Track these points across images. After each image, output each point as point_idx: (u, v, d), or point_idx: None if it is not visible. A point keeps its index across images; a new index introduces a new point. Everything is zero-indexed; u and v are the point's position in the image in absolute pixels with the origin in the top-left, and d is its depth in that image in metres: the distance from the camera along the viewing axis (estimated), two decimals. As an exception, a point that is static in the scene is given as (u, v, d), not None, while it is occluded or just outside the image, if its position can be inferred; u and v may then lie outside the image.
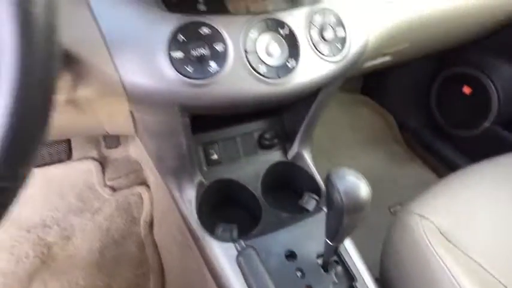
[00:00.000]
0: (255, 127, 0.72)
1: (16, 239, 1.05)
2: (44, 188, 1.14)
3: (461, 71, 1.22)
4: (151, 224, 1.12)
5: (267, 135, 0.72)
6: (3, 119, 0.19)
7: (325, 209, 0.65)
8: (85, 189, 1.18)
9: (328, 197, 0.45)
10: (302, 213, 0.65)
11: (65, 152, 1.16)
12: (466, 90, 1.20)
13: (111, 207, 1.16)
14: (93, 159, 1.24)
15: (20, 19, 0.19)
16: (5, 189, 0.21)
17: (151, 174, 1.10)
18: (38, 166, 1.12)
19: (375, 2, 0.61)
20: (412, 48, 0.88)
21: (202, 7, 0.45)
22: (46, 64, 0.21)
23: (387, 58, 0.86)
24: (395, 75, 1.42)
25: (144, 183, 1.23)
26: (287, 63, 0.48)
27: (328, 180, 0.44)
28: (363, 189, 0.42)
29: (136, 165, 1.26)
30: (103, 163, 1.25)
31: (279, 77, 0.48)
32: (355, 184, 0.42)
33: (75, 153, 1.19)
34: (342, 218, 0.43)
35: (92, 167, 1.22)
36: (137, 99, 0.46)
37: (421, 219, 0.59)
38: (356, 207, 0.42)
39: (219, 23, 0.45)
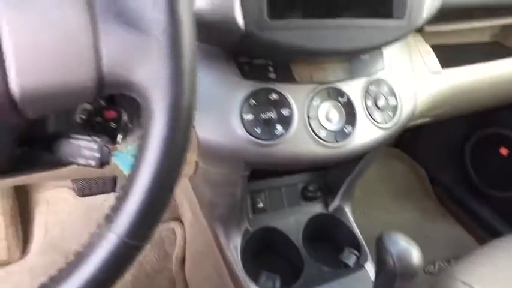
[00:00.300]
0: (299, 179, 0.75)
1: (54, 264, 1.09)
2: (85, 216, 1.19)
3: (498, 131, 1.23)
4: (183, 261, 1.14)
5: (311, 188, 0.75)
6: (146, 193, 0.24)
7: (366, 267, 0.67)
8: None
9: (379, 260, 0.47)
10: (343, 268, 0.67)
11: (110, 184, 1.22)
12: (503, 151, 1.20)
13: (145, 240, 1.19)
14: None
15: (170, 113, 0.23)
16: (137, 247, 0.25)
17: (188, 212, 1.14)
18: (84, 195, 1.18)
19: (423, 73, 0.65)
20: (452, 111, 0.91)
21: (272, 75, 0.50)
22: (185, 144, 0.25)
23: (427, 119, 0.89)
24: (428, 130, 1.44)
25: (178, 218, 1.26)
26: (344, 128, 0.52)
27: (380, 242, 0.46)
28: (416, 256, 0.44)
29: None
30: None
31: (337, 142, 0.52)
32: (409, 250, 0.44)
33: (119, 185, 1.25)
34: (393, 283, 0.45)
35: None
36: (208, 153, 0.50)
37: (466, 287, 0.60)
38: (409, 272, 0.44)
39: (286, 90, 0.50)
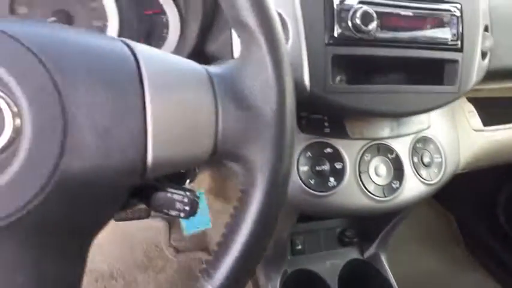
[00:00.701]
0: (337, 223, 0.77)
1: (85, 286, 1.12)
2: (117, 240, 1.23)
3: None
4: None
5: (348, 233, 0.76)
6: (244, 251, 0.27)
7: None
8: (152, 247, 1.26)
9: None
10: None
11: (145, 211, 1.26)
12: (538, 205, 1.18)
13: (173, 268, 1.21)
14: (163, 218, 1.33)
15: (271, 183, 0.27)
16: None
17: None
18: (119, 220, 1.22)
19: (466, 131, 0.68)
20: (489, 163, 0.92)
21: (327, 130, 0.54)
22: (280, 208, 0.29)
23: (465, 170, 0.91)
24: (459, 177, 1.44)
25: (206, 249, 1.29)
26: (392, 183, 0.55)
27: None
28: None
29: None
30: (171, 223, 1.34)
31: (385, 196, 0.54)
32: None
33: (152, 212, 1.28)
34: None
35: (161, 225, 1.31)
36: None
37: None
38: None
39: (339, 144, 0.53)
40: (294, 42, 0.43)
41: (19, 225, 0.21)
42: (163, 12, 0.56)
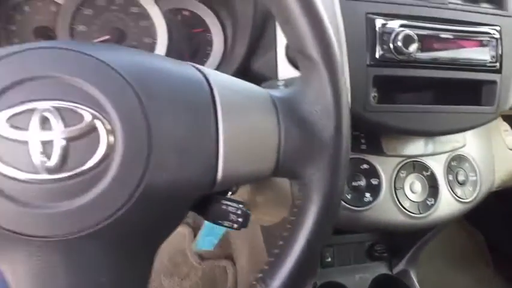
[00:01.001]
0: (367, 238, 0.78)
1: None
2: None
3: None
4: (234, 301, 1.16)
5: (378, 248, 0.77)
6: (298, 262, 0.29)
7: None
8: (177, 253, 1.28)
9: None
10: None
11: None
12: None
13: (197, 275, 1.24)
14: (188, 225, 1.36)
15: (326, 201, 0.29)
16: None
17: (243, 256, 1.18)
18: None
19: (501, 150, 0.68)
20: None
21: (363, 146, 0.55)
22: (332, 224, 0.31)
23: (499, 188, 0.90)
24: (491, 194, 1.41)
25: (229, 257, 1.30)
26: (427, 201, 0.56)
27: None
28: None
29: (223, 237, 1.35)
30: (196, 230, 1.36)
31: (420, 213, 0.55)
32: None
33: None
34: None
35: (186, 232, 1.33)
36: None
37: None
38: None
39: (376, 161, 0.55)
40: (338, 63, 0.45)
41: (106, 232, 0.24)
42: (208, 31, 0.59)
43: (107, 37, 0.55)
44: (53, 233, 0.23)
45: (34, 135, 0.23)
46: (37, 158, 0.23)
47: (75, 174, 0.23)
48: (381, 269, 0.78)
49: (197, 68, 0.29)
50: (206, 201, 0.36)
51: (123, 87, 0.24)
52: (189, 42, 0.59)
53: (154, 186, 0.24)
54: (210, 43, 0.60)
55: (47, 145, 0.23)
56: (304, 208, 0.30)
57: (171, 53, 0.58)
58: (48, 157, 0.23)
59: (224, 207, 0.35)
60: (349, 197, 0.53)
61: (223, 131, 0.27)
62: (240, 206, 0.35)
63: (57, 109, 0.23)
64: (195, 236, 1.34)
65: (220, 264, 1.27)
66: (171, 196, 0.26)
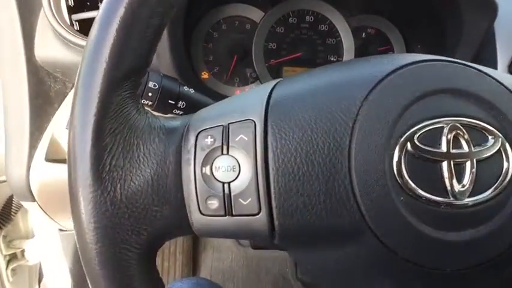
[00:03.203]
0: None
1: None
2: (245, 267, 1.24)
3: None
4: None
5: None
6: None
7: None
8: (280, 278, 1.24)
9: None
10: None
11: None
12: None
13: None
14: (289, 250, 1.31)
15: None
16: None
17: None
18: (257, 248, 1.23)
19: None
20: None
21: None
22: None
23: None
24: None
25: (333, 287, 1.24)
26: None
27: None
28: None
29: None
30: (296, 256, 1.32)
31: None
32: None
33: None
34: None
35: (288, 257, 1.29)
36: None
37: None
38: None
39: None
40: None
41: (500, 264, 0.21)
42: (392, 49, 0.57)
43: (298, 54, 0.55)
44: (455, 265, 0.21)
45: (447, 154, 0.21)
46: (449, 180, 0.21)
47: (483, 199, 0.21)
48: None
49: None
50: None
51: None
52: (373, 60, 0.57)
53: None
54: (392, 61, 0.58)
55: (458, 166, 0.21)
56: None
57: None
58: (459, 180, 0.21)
59: None
60: None
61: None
62: None
63: (465, 126, 0.21)
64: (296, 262, 1.30)
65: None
66: None
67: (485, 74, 0.23)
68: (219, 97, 0.56)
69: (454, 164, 0.21)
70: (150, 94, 0.34)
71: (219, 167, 0.22)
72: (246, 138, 0.21)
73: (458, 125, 0.21)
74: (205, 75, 0.54)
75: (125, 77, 0.21)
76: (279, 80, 0.27)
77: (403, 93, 0.22)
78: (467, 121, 0.22)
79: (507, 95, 0.23)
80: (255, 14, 0.54)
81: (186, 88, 0.36)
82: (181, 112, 0.36)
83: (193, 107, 0.36)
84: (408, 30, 0.56)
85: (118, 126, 0.21)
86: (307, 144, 0.21)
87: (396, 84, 0.22)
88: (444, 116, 0.22)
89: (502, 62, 0.46)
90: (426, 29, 0.53)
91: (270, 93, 0.24)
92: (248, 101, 0.24)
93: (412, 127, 0.21)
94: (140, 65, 0.22)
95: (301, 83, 0.25)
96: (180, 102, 0.35)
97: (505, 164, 0.22)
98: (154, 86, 0.34)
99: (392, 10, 0.55)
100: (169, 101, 0.35)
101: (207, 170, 0.22)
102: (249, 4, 0.53)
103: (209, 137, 0.22)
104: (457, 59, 0.49)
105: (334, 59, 0.56)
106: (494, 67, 0.46)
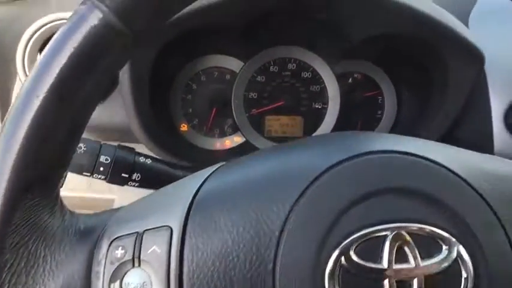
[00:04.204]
0: None
1: None
2: None
3: None
4: None
5: None
6: None
7: None
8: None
9: None
10: None
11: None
12: None
13: None
14: None
15: None
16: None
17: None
18: None
19: None
20: None
21: None
22: None
23: None
24: None
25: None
26: None
27: None
28: None
29: None
30: None
31: None
32: None
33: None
34: None
35: None
36: None
37: None
38: None
39: None
40: None
41: None
42: (381, 94, 0.54)
43: (280, 103, 0.53)
44: None
45: (388, 271, 0.18)
46: None
47: None
48: None
49: None
50: None
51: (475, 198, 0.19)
52: (360, 107, 0.54)
53: None
54: (381, 107, 0.55)
55: (403, 284, 0.18)
56: None
57: (341, 119, 0.53)
58: None
59: None
60: None
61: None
62: None
63: (412, 234, 0.18)
64: None
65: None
66: None
67: (441, 165, 0.20)
68: (198, 151, 0.54)
69: (397, 282, 0.18)
70: (101, 169, 0.32)
71: (128, 283, 0.19)
72: (159, 251, 0.19)
73: (404, 233, 0.18)
74: (184, 128, 0.53)
75: (34, 181, 0.20)
76: (220, 165, 0.24)
77: (339, 194, 0.19)
78: (415, 227, 0.19)
79: (466, 191, 0.20)
80: (235, 64, 0.52)
81: (142, 159, 0.34)
82: (136, 184, 0.34)
83: (150, 178, 0.34)
84: (396, 74, 0.54)
85: (21, 240, 0.19)
86: (227, 257, 0.19)
87: (333, 183, 0.20)
88: (387, 222, 0.19)
89: (496, 110, 0.42)
90: (413, 73, 0.50)
91: (200, 186, 0.22)
92: (171, 200, 0.22)
93: (349, 236, 0.18)
94: (52, 167, 0.20)
95: (237, 174, 0.22)
96: (135, 174, 0.34)
97: (464, 275, 0.18)
98: (106, 160, 0.32)
99: (378, 55, 0.52)
100: (123, 175, 0.33)
101: (115, 286, 0.19)
102: (227, 55, 0.52)
103: (120, 248, 0.20)
104: (447, 106, 0.46)
105: (319, 106, 0.54)
106: (488, 115, 0.43)
